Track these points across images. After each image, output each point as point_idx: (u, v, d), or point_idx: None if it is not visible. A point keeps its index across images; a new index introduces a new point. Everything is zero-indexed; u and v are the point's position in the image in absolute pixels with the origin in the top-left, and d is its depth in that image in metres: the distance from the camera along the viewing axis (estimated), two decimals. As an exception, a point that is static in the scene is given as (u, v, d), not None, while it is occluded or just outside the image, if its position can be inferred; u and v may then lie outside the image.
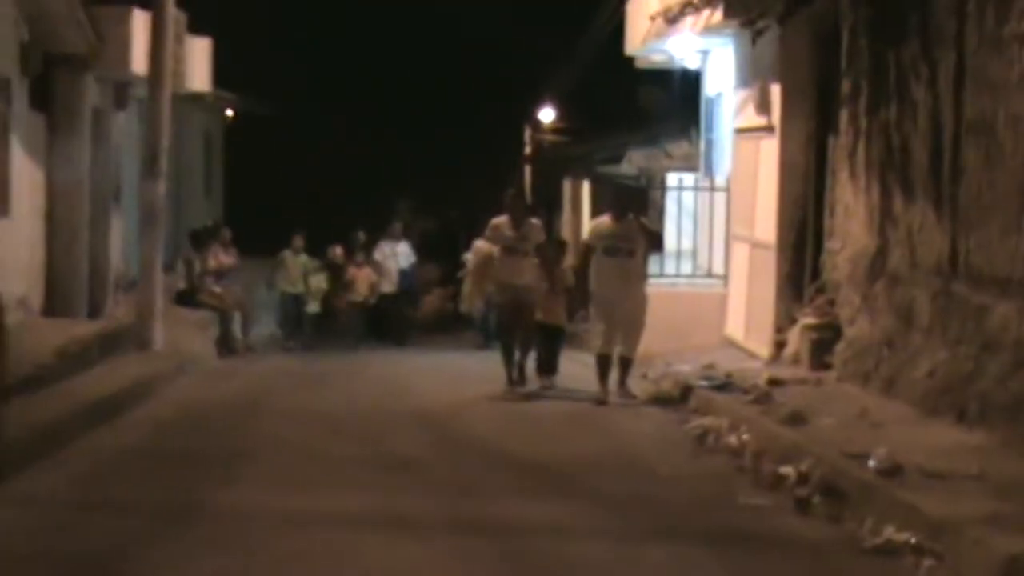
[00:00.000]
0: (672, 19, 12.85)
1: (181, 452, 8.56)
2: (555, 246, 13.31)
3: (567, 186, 26.81)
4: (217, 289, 16.85)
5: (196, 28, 17.25)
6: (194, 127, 20.34)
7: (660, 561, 5.72)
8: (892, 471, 6.73)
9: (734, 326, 14.37)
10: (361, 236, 20.16)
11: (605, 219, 11.93)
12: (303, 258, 19.43)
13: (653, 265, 16.30)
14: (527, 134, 37.66)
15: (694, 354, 13.39)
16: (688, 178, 17.73)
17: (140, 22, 14.75)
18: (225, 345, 16.18)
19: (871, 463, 6.89)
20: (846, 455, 7.22)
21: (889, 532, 5.88)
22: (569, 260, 13.60)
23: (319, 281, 19.66)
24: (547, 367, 12.52)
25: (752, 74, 13.76)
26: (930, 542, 5.59)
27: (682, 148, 19.75)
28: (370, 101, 32.91)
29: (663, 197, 18.77)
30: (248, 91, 22.85)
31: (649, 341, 13.09)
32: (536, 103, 34.40)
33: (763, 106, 13.27)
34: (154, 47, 14.31)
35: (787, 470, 7.35)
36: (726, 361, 12.64)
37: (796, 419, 8.72)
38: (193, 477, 7.51)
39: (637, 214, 12.11)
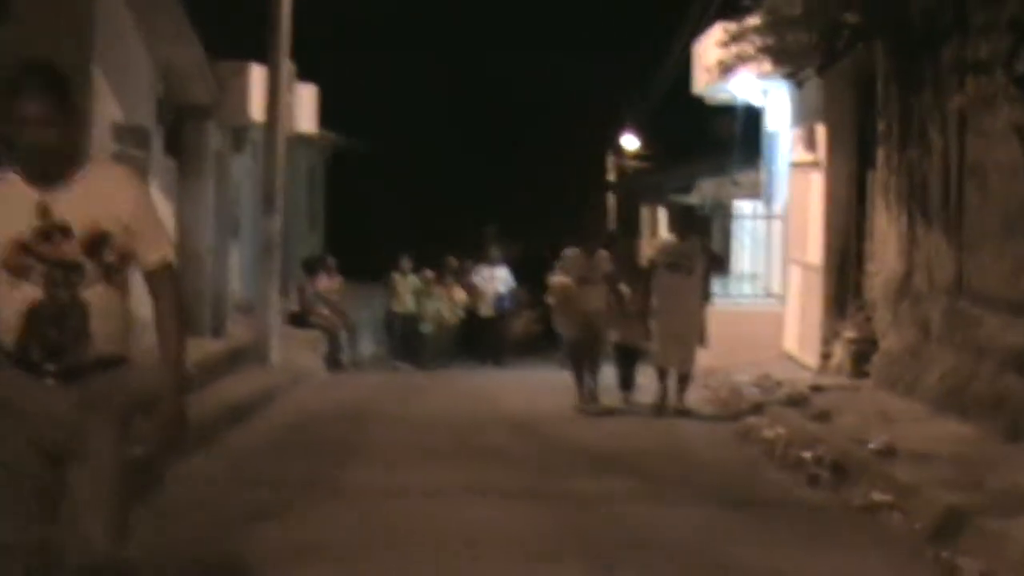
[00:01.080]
0: (727, 70, 14.43)
1: (304, 444, 10.31)
2: (635, 272, 13.92)
3: (645, 212, 28.47)
4: (325, 311, 18.73)
5: (303, 75, 19.12)
6: (300, 164, 22.24)
7: (690, 518, 7.34)
8: (887, 452, 8.29)
9: (790, 340, 15.90)
10: (452, 261, 21.85)
11: (669, 237, 13.18)
12: (412, 278, 20.94)
13: (719, 286, 17.98)
14: (610, 160, 39.27)
15: (754, 366, 14.87)
16: (753, 207, 19.32)
17: (257, 74, 16.66)
18: (332, 361, 18.00)
19: (871, 446, 8.47)
20: (854, 441, 8.81)
21: (873, 495, 7.47)
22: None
23: (435, 301, 21.01)
24: (625, 384, 13.18)
25: (802, 115, 15.35)
26: (900, 501, 7.17)
27: (749, 177, 21.23)
28: (459, 132, 34.70)
29: (730, 223, 20.42)
30: (347, 129, 24.71)
31: (715, 355, 14.70)
32: (619, 130, 35.93)
33: (811, 144, 14.84)
34: (270, 96, 16.19)
35: (806, 454, 8.94)
36: (780, 372, 14.13)
37: (823, 416, 10.29)
38: (317, 461, 9.23)
39: (700, 236, 13.48)
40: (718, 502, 7.85)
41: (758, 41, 13.34)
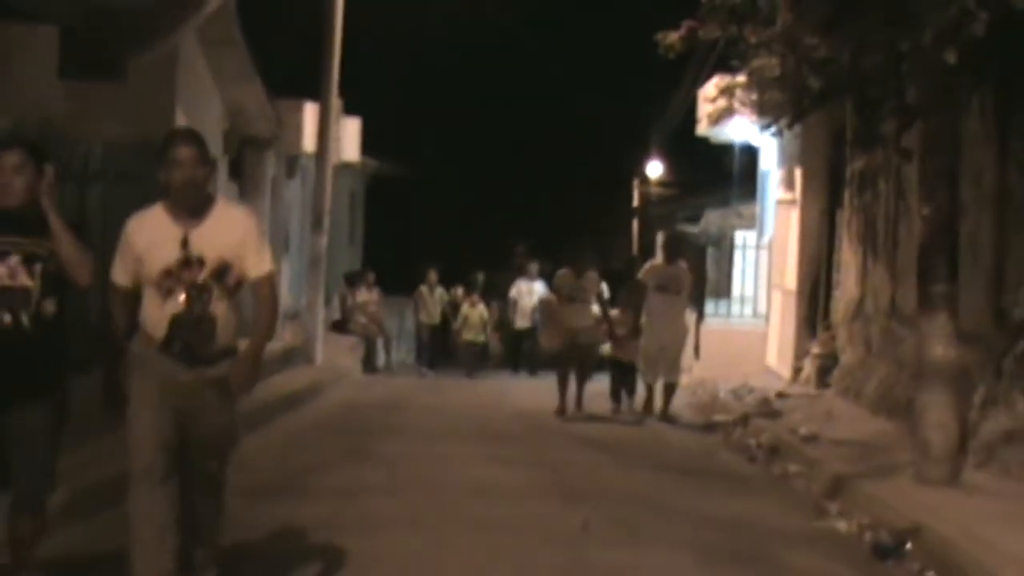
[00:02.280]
0: (715, 121, 16.63)
1: (348, 426, 12.55)
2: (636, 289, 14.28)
3: (660, 237, 30.66)
4: (363, 320, 21.01)
5: (349, 109, 21.43)
6: (343, 188, 24.55)
7: (647, 479, 9.55)
8: (810, 439, 10.49)
9: (771, 356, 18.06)
10: (480, 277, 24.01)
11: (658, 261, 14.38)
12: (439, 291, 22.97)
13: (716, 307, 20.24)
14: (636, 186, 41.32)
15: (739, 378, 17.01)
16: (752, 236, 21.50)
17: (310, 111, 19.00)
18: (369, 364, 20.29)
19: (800, 434, 10.67)
20: (789, 431, 11.01)
21: (790, 467, 9.67)
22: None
23: (479, 313, 22.59)
24: (616, 395, 14.01)
25: (784, 158, 17.55)
26: (806, 471, 9.37)
27: (750, 210, 23.40)
28: (491, 157, 36.93)
29: (731, 251, 22.63)
30: (387, 154, 27.04)
31: (707, 368, 16.89)
32: (645, 158, 37.88)
33: (790, 184, 17.03)
34: (320, 130, 18.50)
35: (751, 440, 11.15)
36: (759, 382, 16.25)
37: (774, 415, 12.50)
38: (360, 438, 11.44)
39: (686, 260, 15.15)
40: (672, 471, 10.06)
41: (742, 96, 15.51)
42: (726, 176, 25.98)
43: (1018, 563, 5.99)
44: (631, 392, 14.02)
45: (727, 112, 16.19)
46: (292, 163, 20.23)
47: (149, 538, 5.29)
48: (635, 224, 39.38)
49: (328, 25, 18.05)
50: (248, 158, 18.31)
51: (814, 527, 7.77)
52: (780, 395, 14.46)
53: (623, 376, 14.05)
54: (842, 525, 7.70)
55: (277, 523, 7.27)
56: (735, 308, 20.55)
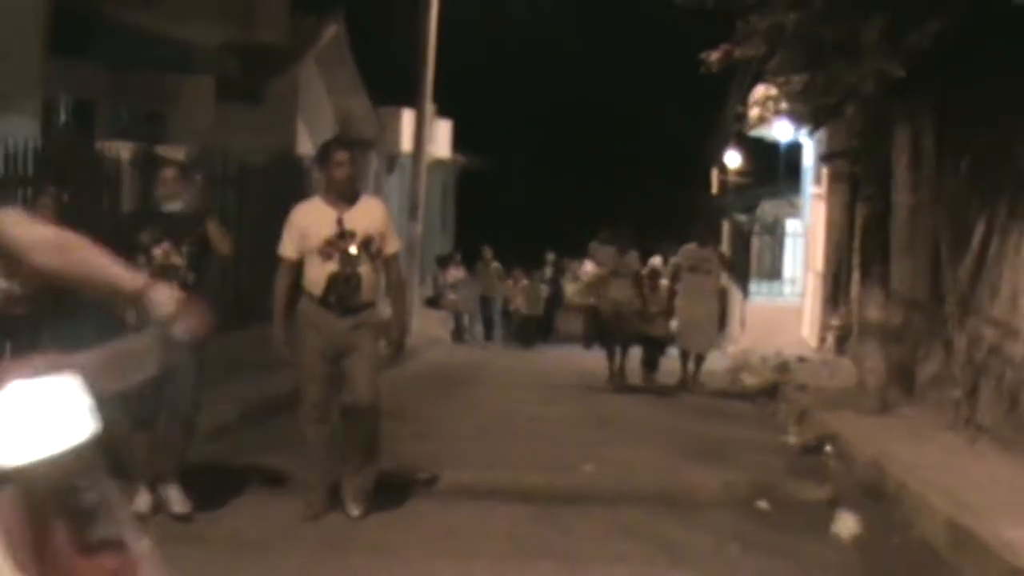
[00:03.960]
0: (754, 125, 19.36)
1: (441, 378, 15.55)
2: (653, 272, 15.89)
3: (725, 224, 33.33)
4: (453, 296, 24.07)
5: (441, 111, 24.44)
6: (436, 181, 27.57)
7: (664, 414, 12.40)
8: (800, 387, 13.27)
9: (805, 328, 20.77)
10: (550, 256, 27.00)
11: (692, 245, 15.40)
12: (495, 266, 25.87)
13: (758, 286, 22.99)
14: (715, 175, 43.74)
15: (776, 347, 19.71)
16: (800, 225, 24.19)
17: (407, 116, 22.03)
18: (457, 335, 23.34)
19: (793, 384, 13.45)
20: (783, 379, 13.79)
21: (778, 406, 12.47)
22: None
23: (535, 288, 25.63)
24: (649, 366, 15.22)
25: (815, 156, 20.24)
26: (786, 407, 12.17)
27: (800, 201, 26.05)
28: (572, 149, 39.67)
29: (783, 238, 25.34)
30: (475, 149, 30.04)
31: (752, 338, 19.65)
32: (723, 147, 40.19)
33: (819, 180, 19.72)
34: (416, 132, 21.51)
35: (753, 383, 13.95)
36: (792, 350, 18.96)
37: (782, 369, 15.27)
38: (449, 387, 14.43)
39: (716, 244, 17.40)
40: (684, 410, 12.90)
41: (774, 106, 18.21)
42: (782, 169, 28.64)
43: (890, 455, 8.73)
44: (656, 366, 15.27)
45: (761, 120, 18.89)
46: (392, 161, 23.31)
47: (318, 445, 7.06)
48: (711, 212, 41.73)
49: (423, 42, 20.98)
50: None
51: (773, 440, 10.58)
52: (801, 359, 17.18)
53: (652, 350, 15.30)
54: (793, 439, 10.49)
55: (386, 436, 10.24)
56: (784, 288, 23.29)
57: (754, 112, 19.88)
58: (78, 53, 11.08)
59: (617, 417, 12.08)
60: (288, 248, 7.09)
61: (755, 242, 24.49)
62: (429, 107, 21.77)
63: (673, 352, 15.48)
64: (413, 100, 21.61)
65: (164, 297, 2.96)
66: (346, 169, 7.06)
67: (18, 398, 2.50)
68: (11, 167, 9.15)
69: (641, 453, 9.65)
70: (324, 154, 7.17)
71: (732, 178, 41.81)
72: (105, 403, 2.66)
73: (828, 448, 9.61)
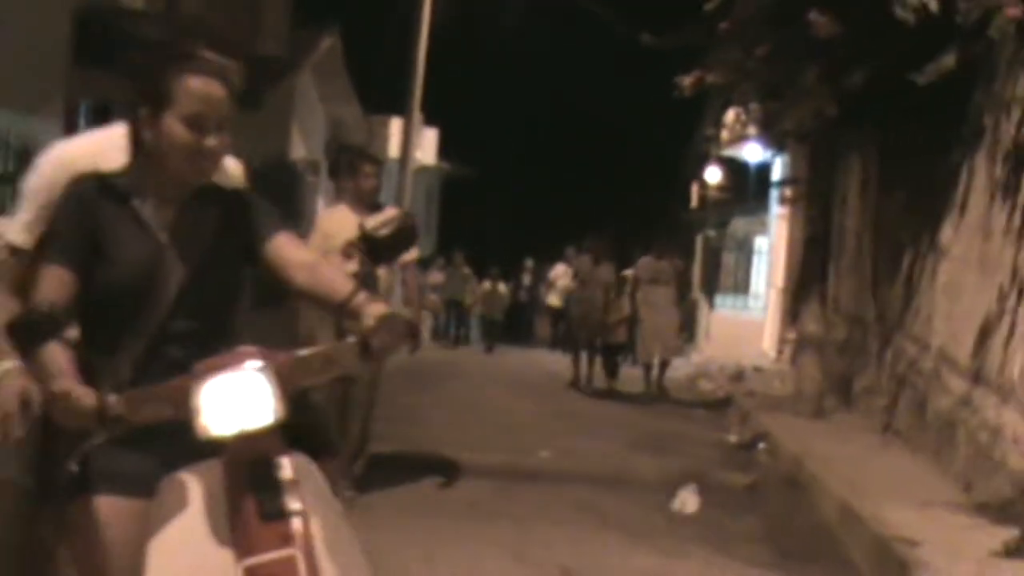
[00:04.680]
0: (724, 147, 20.53)
1: (418, 374, 16.61)
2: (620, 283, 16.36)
3: (699, 238, 34.53)
4: (434, 298, 25.18)
5: (428, 120, 25.54)
6: (421, 186, 28.70)
7: (622, 411, 13.53)
8: (749, 394, 14.42)
9: (766, 340, 21.94)
10: (529, 263, 28.16)
11: (649, 257, 16.15)
12: (465, 270, 26.94)
13: (724, 299, 24.17)
14: (695, 190, 44.91)
15: (738, 357, 20.89)
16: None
17: (395, 124, 23.13)
18: (436, 335, 24.46)
19: (744, 390, 14.59)
20: (739, 389, 14.93)
21: (729, 410, 13.61)
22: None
23: (498, 292, 27.11)
24: (609, 372, 16.03)
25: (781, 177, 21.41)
26: (735, 412, 13.30)
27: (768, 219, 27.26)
28: (554, 158, 40.84)
29: (751, 255, 26.52)
30: (460, 157, 31.20)
31: (716, 348, 20.79)
32: (704, 163, 41.36)
33: (783, 200, 20.88)
34: (404, 140, 22.60)
35: (708, 389, 15.09)
36: (750, 360, 20.16)
37: (737, 378, 16.42)
38: (425, 382, 15.52)
39: (672, 257, 18.10)
40: (642, 409, 14.04)
41: (742, 129, 19.38)
42: (752, 188, 29.81)
43: (811, 452, 9.85)
44: (616, 373, 16.04)
45: (732, 140, 20.08)
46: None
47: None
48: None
49: (413, 55, 22.09)
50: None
51: (715, 438, 11.71)
52: (757, 369, 18.35)
53: (613, 356, 16.11)
54: (734, 438, 11.63)
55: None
56: (750, 302, 24.47)
57: (725, 134, 21.09)
58: (98, 62, 12.12)
59: (576, 413, 13.22)
60: (312, 248, 8.18)
61: (725, 257, 25.66)
62: (417, 117, 22.87)
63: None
64: (402, 109, 22.71)
65: (371, 311, 3.09)
66: (372, 180, 8.03)
67: (225, 383, 2.90)
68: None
69: (593, 443, 10.78)
70: (350, 165, 8.10)
71: (712, 193, 43.02)
72: (307, 393, 3.20)
73: (761, 445, 10.75)
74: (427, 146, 26.12)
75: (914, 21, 7.79)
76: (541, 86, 38.23)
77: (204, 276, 3.24)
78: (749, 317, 23.31)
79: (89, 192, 3.22)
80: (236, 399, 2.90)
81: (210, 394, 2.90)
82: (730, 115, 22.17)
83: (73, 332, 3.10)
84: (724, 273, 26.83)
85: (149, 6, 12.65)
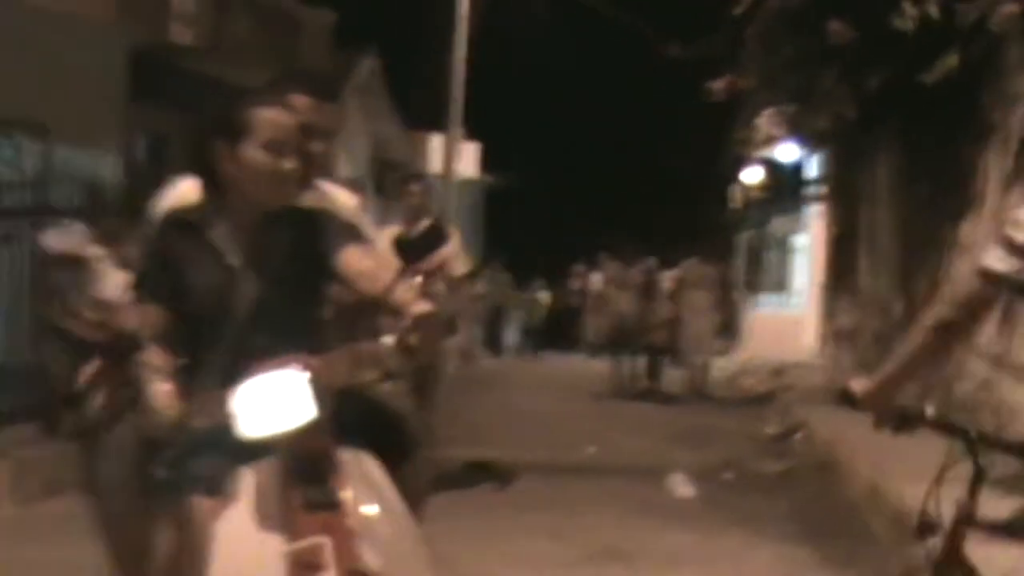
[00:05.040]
0: (758, 148, 20.99)
1: (468, 379, 17.21)
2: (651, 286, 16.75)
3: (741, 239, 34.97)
4: (477, 307, 25.75)
5: (469, 134, 26.11)
6: (463, 200, 29.30)
7: (662, 409, 14.04)
8: (790, 387, 14.89)
9: (808, 336, 22.36)
10: (579, 268, 28.57)
11: (694, 261, 16.68)
12: (504, 278, 27.38)
13: (768, 297, 24.62)
14: (735, 191, 45.22)
15: (780, 353, 21.32)
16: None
17: (436, 140, 23.73)
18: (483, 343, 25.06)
19: (777, 383, 15.08)
20: (775, 382, 15.41)
21: (772, 406, 14.10)
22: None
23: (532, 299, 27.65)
24: (652, 374, 16.36)
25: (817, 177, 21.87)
26: (762, 398, 13.79)
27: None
28: (593, 169, 41.26)
29: (792, 253, 26.97)
30: (502, 169, 31.77)
31: (760, 346, 21.23)
32: (742, 164, 41.67)
33: (814, 198, 21.32)
34: (445, 155, 23.18)
35: (750, 385, 15.58)
36: (792, 356, 20.59)
37: (778, 373, 16.89)
38: (477, 386, 16.09)
39: (715, 261, 17.92)
40: (681, 406, 14.55)
41: (775, 130, 19.83)
42: (789, 187, 30.20)
43: (843, 439, 10.32)
44: (658, 374, 16.39)
45: (767, 141, 20.54)
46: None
47: None
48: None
49: (454, 74, 22.64)
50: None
51: (754, 430, 12.21)
52: (797, 364, 18.78)
53: (655, 358, 16.43)
54: (772, 430, 12.12)
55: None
56: (791, 300, 24.88)
57: (760, 134, 21.56)
58: (153, 97, 12.81)
59: (620, 413, 13.78)
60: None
61: (765, 256, 26.11)
62: (457, 132, 23.44)
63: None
64: (443, 124, 23.27)
65: (411, 309, 3.19)
66: (419, 198, 8.42)
67: (259, 386, 3.14)
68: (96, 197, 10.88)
69: (636, 440, 11.34)
70: (398, 184, 8.91)
71: (752, 193, 43.23)
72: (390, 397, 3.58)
73: (797, 435, 11.24)
74: (468, 160, 26.69)
75: (914, 28, 8.28)
76: (577, 94, 38.71)
77: (278, 293, 3.46)
78: (790, 314, 23.72)
79: (164, 231, 3.58)
80: (272, 400, 3.13)
81: (245, 397, 3.14)
82: (762, 117, 22.66)
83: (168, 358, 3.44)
84: (765, 272, 27.24)
85: (199, 41, 13.29)
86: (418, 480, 3.75)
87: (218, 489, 3.25)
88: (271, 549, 3.09)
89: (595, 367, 19.40)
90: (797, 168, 27.17)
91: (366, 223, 4.38)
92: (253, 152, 3.41)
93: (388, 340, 3.17)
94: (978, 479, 3.01)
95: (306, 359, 3.19)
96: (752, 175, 41.70)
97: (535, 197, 37.80)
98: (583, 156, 41.20)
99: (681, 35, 13.97)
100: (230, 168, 3.44)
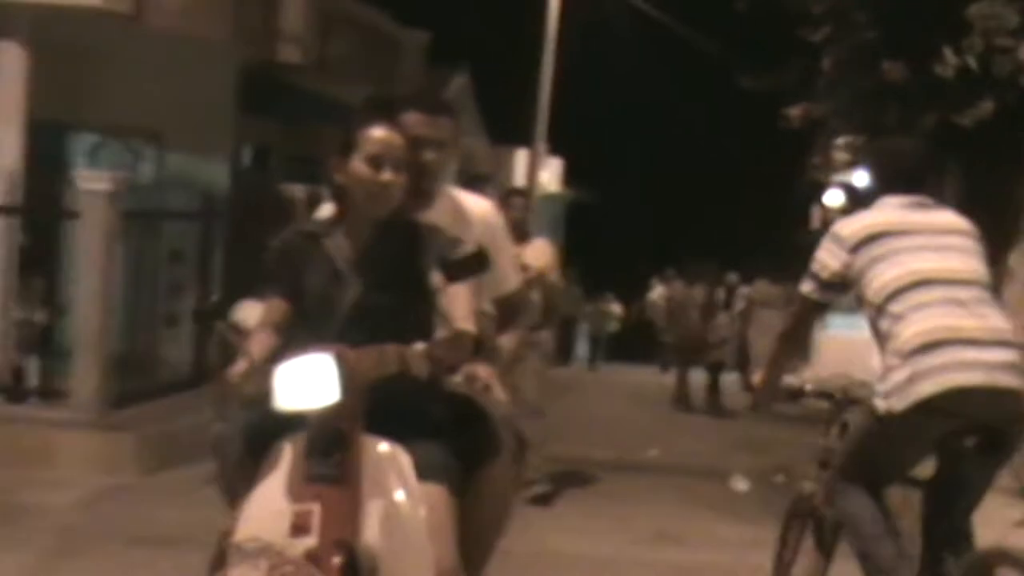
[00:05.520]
0: (835, 173, 21.63)
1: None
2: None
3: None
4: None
5: (553, 149, 27.00)
6: (546, 213, 30.14)
7: (727, 424, 14.77)
8: (847, 404, 15.52)
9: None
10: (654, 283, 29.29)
11: (764, 281, 17.71)
12: (575, 289, 27.89)
13: (839, 318, 25.17)
14: (816, 212, 45.55)
15: (846, 372, 21.91)
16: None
17: (521, 155, 24.64)
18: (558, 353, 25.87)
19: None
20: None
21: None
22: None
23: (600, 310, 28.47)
24: (712, 389, 16.38)
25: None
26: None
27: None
28: (668, 180, 41.88)
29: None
30: (584, 183, 32.61)
31: (826, 366, 21.88)
32: (821, 188, 42.07)
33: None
34: (529, 170, 24.07)
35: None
36: (859, 375, 21.16)
37: (842, 392, 17.50)
38: (557, 392, 16.90)
39: (787, 282, 19.09)
40: (744, 418, 15.20)
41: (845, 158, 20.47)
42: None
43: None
44: (717, 389, 16.44)
45: (847, 165, 21.19)
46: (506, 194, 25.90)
47: None
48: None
49: (541, 92, 23.52)
50: (472, 189, 23.92)
51: (810, 440, 12.86)
52: (863, 383, 19.35)
53: (714, 373, 16.58)
54: (826, 442, 12.77)
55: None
56: (862, 321, 25.39)
57: (835, 161, 22.17)
58: (259, 111, 13.81)
59: (682, 421, 14.60)
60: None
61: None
62: (542, 146, 24.32)
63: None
64: (527, 139, 24.17)
65: (447, 327, 3.72)
66: (520, 212, 9.08)
67: (295, 366, 3.50)
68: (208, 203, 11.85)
69: (696, 444, 12.14)
70: (506, 197, 9.24)
71: (832, 216, 43.54)
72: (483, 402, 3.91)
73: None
74: (552, 174, 27.55)
75: (953, 76, 9.02)
76: (660, 113, 39.37)
77: (376, 296, 3.78)
78: (860, 335, 24.23)
79: (288, 240, 3.98)
80: (305, 380, 3.48)
81: (283, 375, 3.52)
82: (836, 145, 23.25)
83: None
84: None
85: (304, 59, 14.24)
86: (501, 481, 3.98)
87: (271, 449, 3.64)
88: (282, 508, 3.44)
89: (664, 379, 20.20)
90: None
91: (499, 227, 4.71)
92: (358, 165, 3.79)
93: (418, 347, 3.56)
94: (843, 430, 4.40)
95: (341, 348, 3.53)
96: (833, 198, 42.41)
97: (614, 211, 38.59)
98: (662, 173, 41.91)
99: (756, 61, 14.66)
100: (342, 180, 3.85)
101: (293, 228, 4.10)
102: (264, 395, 3.56)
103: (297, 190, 11.86)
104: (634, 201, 41.03)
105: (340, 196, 3.91)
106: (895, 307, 4.67)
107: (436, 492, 3.65)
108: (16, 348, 10.05)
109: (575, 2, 22.87)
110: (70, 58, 10.83)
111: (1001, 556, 4.36)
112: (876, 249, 4.67)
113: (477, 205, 4.70)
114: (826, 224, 35.56)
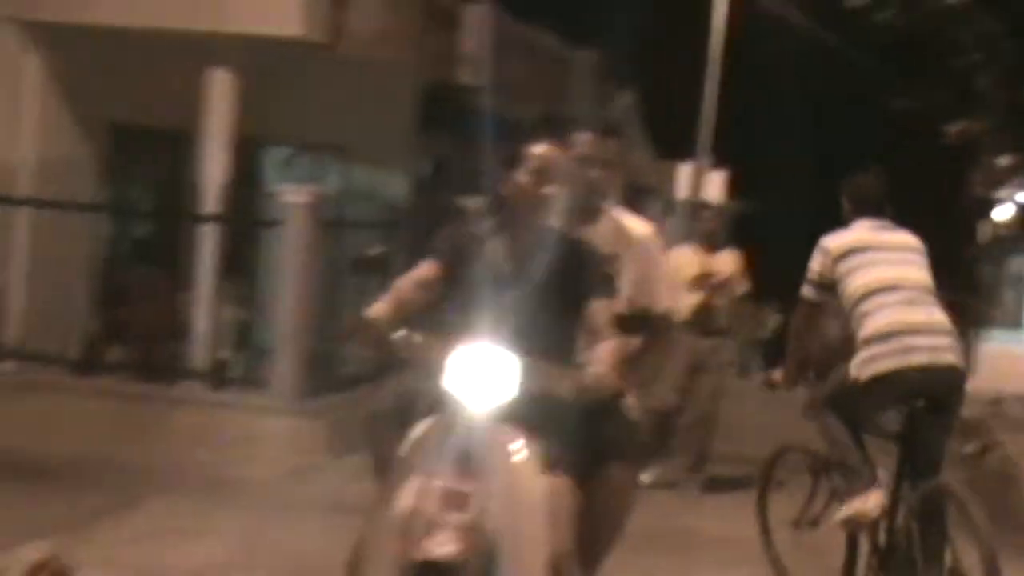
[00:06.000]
0: (999, 186, 21.91)
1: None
2: None
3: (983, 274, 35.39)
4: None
5: (719, 162, 27.56)
6: (709, 222, 30.89)
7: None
8: (997, 414, 15.92)
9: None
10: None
11: None
12: None
13: (999, 333, 25.41)
14: (987, 227, 44.96)
15: (1005, 387, 22.03)
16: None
17: (683, 169, 25.31)
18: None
19: (992, 411, 16.11)
20: (990, 411, 16.45)
21: (977, 430, 15.21)
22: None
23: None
24: None
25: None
26: (969, 426, 14.94)
27: None
28: (831, 192, 41.89)
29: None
30: (747, 194, 33.05)
31: (981, 380, 22.15)
32: (987, 204, 41.62)
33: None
34: (692, 182, 24.73)
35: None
36: (1015, 389, 21.32)
37: (994, 403, 17.87)
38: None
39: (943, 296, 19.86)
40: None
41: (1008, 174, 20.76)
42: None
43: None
44: None
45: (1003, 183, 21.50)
46: (668, 205, 26.63)
47: None
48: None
49: (705, 107, 24.17)
50: (637, 201, 24.77)
51: (953, 446, 13.38)
52: (1017, 397, 19.62)
53: None
54: (968, 448, 13.31)
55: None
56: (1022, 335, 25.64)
57: (998, 175, 22.43)
58: (436, 128, 14.86)
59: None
60: None
61: (1000, 292, 26.94)
62: (705, 160, 24.95)
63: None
64: (690, 153, 24.82)
65: (593, 369, 4.01)
66: (710, 224, 9.95)
67: (484, 357, 3.79)
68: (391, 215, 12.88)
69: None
70: (696, 211, 10.35)
71: (1000, 231, 43.03)
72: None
73: (991, 453, 12.45)
74: (714, 187, 28.11)
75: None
76: (823, 125, 39.53)
77: (529, 303, 4.06)
78: (1019, 350, 24.48)
79: (458, 234, 4.36)
80: (483, 373, 3.78)
81: (458, 361, 3.82)
82: (1000, 162, 23.49)
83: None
84: (998, 307, 28.01)
85: (481, 80, 15.20)
86: (622, 480, 4.23)
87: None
88: (430, 483, 3.75)
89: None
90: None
91: (657, 248, 5.09)
92: (520, 177, 4.15)
93: (573, 376, 3.90)
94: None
95: (534, 358, 3.87)
96: (1004, 212, 41.88)
97: (777, 222, 38.84)
98: (825, 184, 41.92)
99: (906, 84, 15.22)
100: (506, 191, 4.21)
101: (462, 226, 4.47)
102: (427, 366, 3.87)
103: (471, 202, 12.76)
104: (799, 213, 41.24)
105: (500, 207, 4.27)
106: (865, 306, 6.20)
107: (558, 483, 3.95)
108: (221, 342, 11.07)
109: (738, 21, 23.42)
110: (267, 80, 11.75)
111: (946, 489, 6.11)
112: (852, 261, 6.32)
113: (638, 228, 5.05)
114: (997, 238, 35.84)
